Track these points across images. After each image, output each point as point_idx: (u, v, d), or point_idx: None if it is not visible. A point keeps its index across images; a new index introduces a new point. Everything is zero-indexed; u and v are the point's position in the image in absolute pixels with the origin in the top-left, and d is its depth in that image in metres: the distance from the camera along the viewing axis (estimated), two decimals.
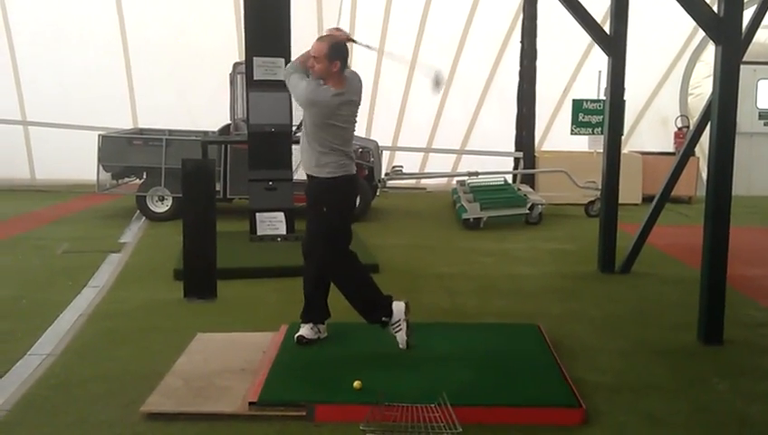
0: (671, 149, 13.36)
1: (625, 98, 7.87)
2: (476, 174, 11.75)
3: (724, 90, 5.49)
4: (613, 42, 7.56)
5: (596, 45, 8.10)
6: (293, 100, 5.45)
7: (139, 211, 10.82)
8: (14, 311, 6.37)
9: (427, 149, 14.42)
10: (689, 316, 5.85)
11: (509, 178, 12.37)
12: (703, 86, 13.50)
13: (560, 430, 4.17)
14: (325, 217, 5.16)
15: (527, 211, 10.75)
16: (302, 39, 10.92)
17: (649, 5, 11.62)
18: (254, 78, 8.86)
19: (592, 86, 12.04)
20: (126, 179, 11.36)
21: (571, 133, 12.08)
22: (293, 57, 9.14)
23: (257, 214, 8.97)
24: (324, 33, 5.26)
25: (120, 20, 13.75)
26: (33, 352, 5.34)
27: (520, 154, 12.91)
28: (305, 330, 5.31)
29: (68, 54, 13.52)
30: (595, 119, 11.77)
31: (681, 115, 13.73)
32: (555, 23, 11.98)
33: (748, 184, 13.27)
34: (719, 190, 5.56)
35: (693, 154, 9.09)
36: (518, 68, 12.90)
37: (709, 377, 4.99)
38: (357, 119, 5.33)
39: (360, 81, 5.26)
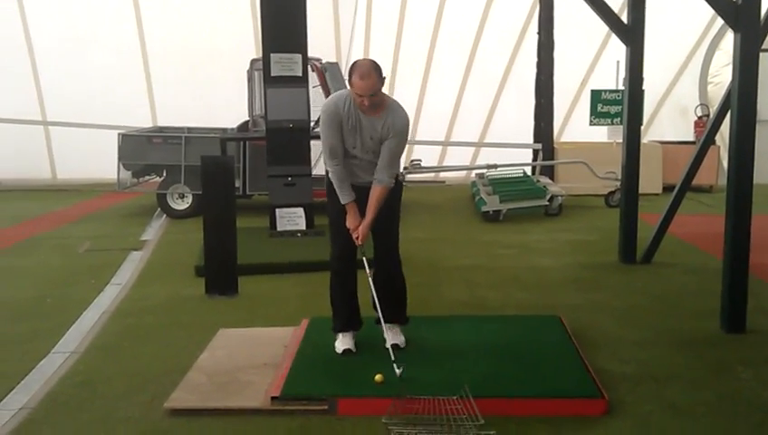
0: (691, 139, 13.28)
1: (644, 87, 7.82)
2: (495, 167, 11.70)
3: (744, 78, 5.45)
4: (631, 31, 7.51)
5: (614, 35, 8.04)
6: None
7: (159, 209, 10.90)
8: (37, 309, 6.43)
9: (446, 143, 14.41)
10: (711, 305, 5.82)
11: (528, 170, 12.33)
12: (722, 74, 13.36)
13: (583, 421, 4.16)
14: (398, 215, 5.11)
15: (547, 203, 10.72)
16: (318, 35, 11.03)
17: None
18: (272, 74, 8.90)
19: (611, 76, 11.94)
20: (146, 177, 11.42)
21: (590, 124, 11.99)
22: (310, 53, 9.21)
23: (277, 210, 9.01)
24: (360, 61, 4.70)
25: (138, 20, 13.84)
26: (57, 350, 5.40)
27: (539, 146, 12.85)
28: (349, 341, 5.07)
29: (87, 55, 13.63)
30: (614, 109, 11.68)
31: (701, 104, 13.62)
32: (572, 13, 11.92)
33: None
34: (740, 179, 5.52)
35: (713, 143, 9.01)
36: (536, 60, 12.84)
37: (733, 366, 4.96)
38: None
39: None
